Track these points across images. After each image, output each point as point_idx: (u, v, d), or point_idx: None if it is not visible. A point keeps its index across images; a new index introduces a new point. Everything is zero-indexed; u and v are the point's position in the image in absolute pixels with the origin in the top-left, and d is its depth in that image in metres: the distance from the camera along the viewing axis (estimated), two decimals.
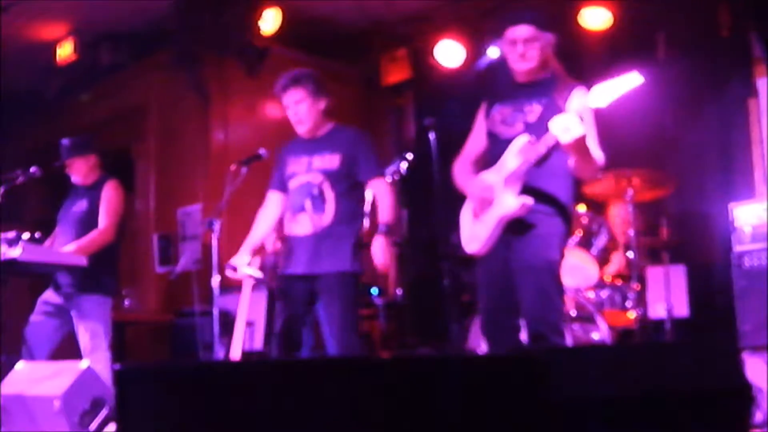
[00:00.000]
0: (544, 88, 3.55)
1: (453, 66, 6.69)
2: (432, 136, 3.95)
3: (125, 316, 6.72)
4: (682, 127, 5.90)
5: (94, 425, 3.91)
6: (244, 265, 4.45)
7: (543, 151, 3.37)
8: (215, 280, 4.62)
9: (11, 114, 7.92)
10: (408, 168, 5.07)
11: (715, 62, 5.75)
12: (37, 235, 4.94)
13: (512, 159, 3.48)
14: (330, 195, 3.99)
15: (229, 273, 4.56)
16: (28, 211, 8.12)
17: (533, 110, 3.52)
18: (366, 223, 4.34)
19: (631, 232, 4.92)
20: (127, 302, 7.19)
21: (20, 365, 4.34)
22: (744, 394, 1.91)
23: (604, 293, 5.08)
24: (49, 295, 5.00)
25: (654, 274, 5.32)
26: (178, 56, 6.79)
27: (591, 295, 5.02)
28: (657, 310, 5.18)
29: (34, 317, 4.97)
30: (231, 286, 5.71)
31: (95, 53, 7.18)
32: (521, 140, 3.47)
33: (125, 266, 5.60)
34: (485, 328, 3.67)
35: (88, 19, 6.83)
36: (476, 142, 3.76)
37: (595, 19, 5.98)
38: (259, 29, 6.41)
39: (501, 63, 3.78)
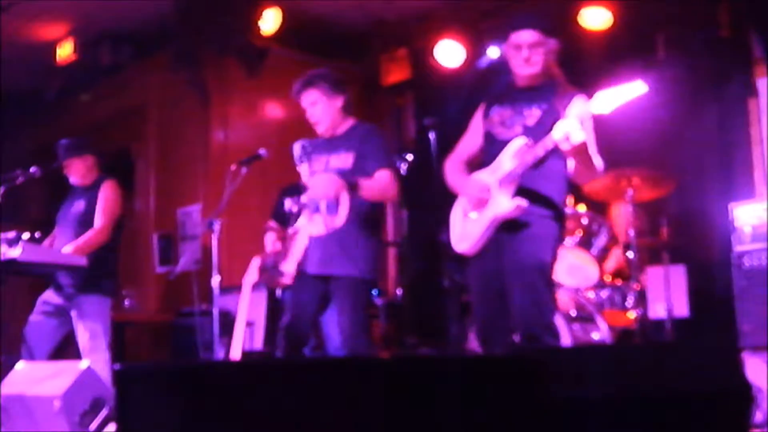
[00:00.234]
0: (545, 94, 3.56)
1: (453, 66, 6.69)
2: (432, 136, 3.95)
3: (125, 316, 6.72)
4: (682, 127, 5.90)
5: (94, 425, 3.91)
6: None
7: (540, 154, 3.39)
8: (215, 280, 4.63)
9: (11, 114, 7.92)
10: (408, 168, 5.08)
11: (715, 62, 5.75)
12: (37, 235, 4.95)
13: (508, 161, 3.49)
14: (345, 196, 3.92)
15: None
16: (28, 211, 8.12)
17: (532, 114, 3.53)
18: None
19: (631, 232, 4.92)
20: (127, 302, 7.19)
21: (20, 365, 4.35)
22: (744, 394, 1.91)
23: (604, 293, 5.08)
24: (49, 295, 5.00)
25: (654, 274, 5.32)
26: (178, 56, 6.79)
27: (591, 295, 5.02)
28: (657, 310, 5.18)
29: (34, 317, 4.98)
30: (231, 286, 5.72)
31: (95, 53, 7.18)
32: (518, 142, 3.48)
33: (125, 266, 5.61)
34: (478, 329, 3.67)
35: (88, 19, 6.83)
36: (471, 141, 3.77)
37: (595, 19, 5.98)
38: (259, 29, 6.41)
39: (501, 64, 3.78)
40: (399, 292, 6.41)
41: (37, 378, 4.10)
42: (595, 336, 4.77)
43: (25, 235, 4.61)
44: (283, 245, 5.06)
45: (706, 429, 1.78)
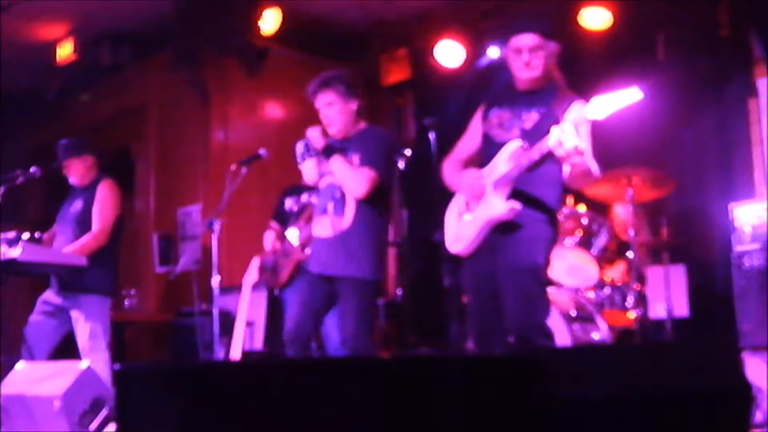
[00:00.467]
0: (544, 98, 3.57)
1: (453, 66, 6.69)
2: (432, 136, 3.95)
3: (125, 316, 6.72)
4: (682, 127, 5.90)
5: (94, 425, 3.91)
6: None
7: (535, 158, 3.40)
8: (215, 280, 4.63)
9: (11, 114, 7.92)
10: (407, 165, 5.07)
11: (715, 62, 5.75)
12: (37, 235, 4.95)
13: (503, 163, 3.50)
14: (351, 198, 3.93)
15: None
16: (28, 211, 8.12)
17: (531, 118, 3.54)
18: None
19: (631, 232, 4.92)
20: (127, 302, 7.19)
21: (20, 365, 4.35)
22: (744, 394, 1.91)
23: (604, 293, 5.08)
24: (49, 295, 5.00)
25: (654, 274, 5.32)
26: (178, 56, 6.79)
27: (591, 295, 5.03)
28: (657, 310, 5.18)
29: (34, 317, 4.98)
30: (231, 286, 5.72)
31: (95, 53, 7.18)
32: (514, 145, 3.49)
33: (125, 266, 5.61)
34: (474, 331, 3.68)
35: (88, 19, 6.83)
36: (470, 142, 3.78)
37: (595, 19, 5.98)
38: (259, 29, 6.41)
39: (501, 64, 3.79)
40: (399, 292, 6.41)
41: (37, 378, 4.10)
42: (595, 336, 4.77)
43: (25, 235, 4.61)
44: (283, 245, 5.07)
45: (706, 429, 1.78)
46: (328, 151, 3.95)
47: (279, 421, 1.69)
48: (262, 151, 4.68)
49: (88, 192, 5.11)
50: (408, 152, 5.10)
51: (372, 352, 3.97)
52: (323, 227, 4.01)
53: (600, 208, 5.40)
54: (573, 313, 4.82)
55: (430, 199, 4.00)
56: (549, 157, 3.38)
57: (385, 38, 7.16)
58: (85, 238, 4.95)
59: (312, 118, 4.25)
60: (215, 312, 4.63)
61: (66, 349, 5.01)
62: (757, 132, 5.67)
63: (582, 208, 5.24)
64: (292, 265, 4.87)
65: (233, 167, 4.65)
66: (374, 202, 3.96)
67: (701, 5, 5.69)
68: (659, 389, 1.75)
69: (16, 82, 7.43)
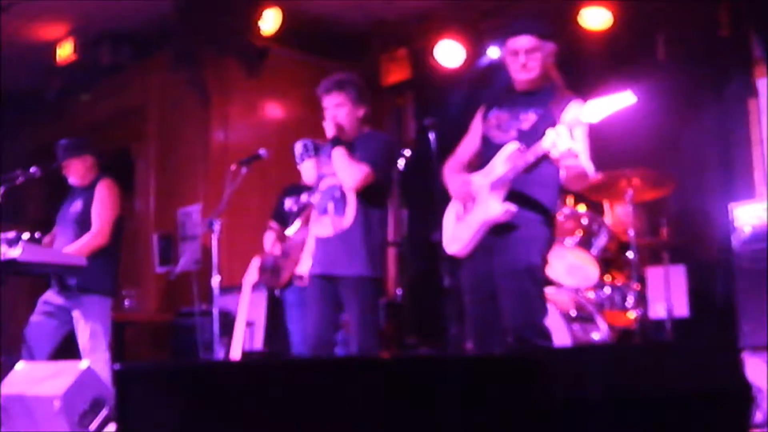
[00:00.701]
0: (542, 98, 3.58)
1: (453, 66, 6.69)
2: (432, 136, 3.95)
3: (125, 316, 6.72)
4: (682, 127, 5.89)
5: (94, 425, 3.91)
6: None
7: (531, 159, 3.41)
8: (215, 280, 4.63)
9: (11, 114, 7.92)
10: (406, 165, 5.08)
11: (715, 62, 5.74)
12: (37, 235, 4.94)
13: (501, 164, 3.52)
14: (351, 198, 3.97)
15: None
16: (28, 211, 8.12)
17: (528, 119, 3.56)
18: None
19: (631, 232, 4.92)
20: (127, 302, 7.19)
21: (20, 365, 4.34)
22: (744, 394, 1.91)
23: (604, 293, 5.08)
24: (50, 295, 5.00)
25: (654, 274, 5.32)
26: (178, 56, 6.79)
27: (591, 295, 5.02)
28: (657, 310, 5.18)
29: (35, 317, 4.98)
30: (231, 286, 5.72)
31: (95, 53, 7.18)
32: (511, 147, 3.50)
33: (125, 266, 5.61)
34: (473, 332, 3.69)
35: (88, 19, 6.83)
36: (470, 144, 3.80)
37: (595, 19, 5.98)
38: (259, 29, 6.41)
39: (501, 66, 3.80)
40: (399, 292, 6.41)
41: (37, 378, 4.10)
42: (595, 336, 4.77)
43: (25, 235, 4.61)
44: (283, 245, 5.07)
45: (706, 429, 1.78)
46: (335, 142, 3.98)
47: (279, 421, 1.69)
48: (262, 151, 4.68)
49: (88, 192, 5.11)
50: (408, 152, 5.11)
51: (377, 350, 3.97)
52: (324, 227, 4.04)
53: (600, 208, 5.40)
54: (573, 313, 4.82)
55: (430, 199, 4.00)
56: (546, 158, 3.39)
57: (385, 38, 7.16)
58: (85, 238, 4.95)
59: (312, 118, 4.25)
60: (215, 312, 4.63)
61: (66, 349, 5.01)
62: (757, 132, 5.67)
63: (582, 208, 5.24)
64: (292, 267, 4.88)
65: (233, 167, 4.65)
66: (373, 202, 4.00)
67: (701, 5, 5.69)
68: (659, 389, 1.75)
69: (16, 82, 7.43)
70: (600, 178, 4.75)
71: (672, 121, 5.82)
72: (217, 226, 4.57)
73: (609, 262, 5.29)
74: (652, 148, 5.71)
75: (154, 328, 7.01)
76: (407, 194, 7.08)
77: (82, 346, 4.85)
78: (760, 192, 5.40)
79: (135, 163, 7.80)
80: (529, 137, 3.46)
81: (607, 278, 5.17)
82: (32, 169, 5.00)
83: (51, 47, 7.10)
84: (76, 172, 5.16)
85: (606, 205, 5.42)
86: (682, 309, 5.32)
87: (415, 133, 7.50)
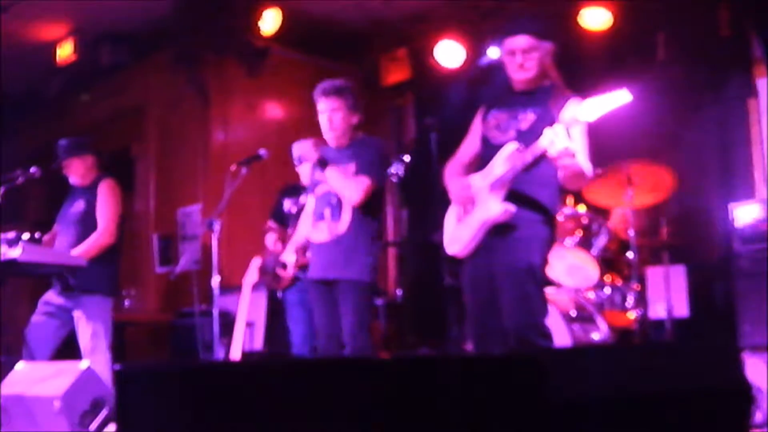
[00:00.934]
0: (540, 98, 3.58)
1: (453, 66, 6.69)
2: (432, 136, 3.96)
3: (125, 316, 6.72)
4: (681, 127, 5.90)
5: (94, 425, 3.91)
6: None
7: (529, 159, 3.41)
8: (215, 280, 4.63)
9: (11, 114, 7.92)
10: (406, 169, 5.09)
11: (715, 62, 5.75)
12: (37, 235, 4.94)
13: (500, 165, 3.52)
14: (347, 204, 4.04)
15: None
16: (28, 211, 8.12)
17: (527, 118, 3.56)
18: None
19: (631, 232, 4.92)
20: (127, 302, 7.19)
21: (20, 365, 4.34)
22: (744, 394, 1.91)
23: (604, 293, 5.08)
24: (50, 296, 5.00)
25: (654, 274, 5.32)
26: (178, 56, 6.80)
27: (591, 295, 5.02)
28: (657, 310, 5.18)
29: (35, 318, 4.97)
30: (231, 286, 5.72)
31: (95, 53, 7.18)
32: (510, 147, 3.50)
33: (125, 266, 5.61)
34: (472, 332, 3.70)
35: (88, 19, 6.83)
36: (470, 145, 3.80)
37: (595, 19, 5.98)
38: (259, 29, 6.42)
39: (500, 66, 3.80)
40: (399, 292, 6.41)
41: (37, 378, 4.10)
42: (595, 336, 4.77)
43: (25, 235, 4.60)
44: (283, 245, 5.08)
45: (706, 429, 1.78)
46: (322, 163, 4.06)
47: (279, 421, 1.69)
48: (262, 151, 4.69)
49: (90, 192, 5.11)
50: (407, 158, 5.14)
51: (371, 351, 4.00)
52: (320, 232, 4.11)
53: (600, 209, 5.40)
54: (573, 313, 4.82)
55: (430, 199, 4.01)
56: (544, 158, 3.39)
57: (385, 38, 7.16)
58: (92, 238, 4.94)
59: (312, 118, 4.27)
60: (215, 312, 4.63)
61: (67, 349, 5.01)
62: (757, 132, 5.67)
63: (582, 208, 5.24)
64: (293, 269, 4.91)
65: (233, 167, 4.66)
66: (368, 207, 4.07)
67: (701, 5, 5.69)
68: (659, 389, 1.75)
69: (16, 82, 7.43)
70: (600, 178, 4.76)
71: (672, 121, 5.82)
72: (217, 226, 4.57)
73: (609, 262, 5.29)
74: (653, 148, 5.71)
75: (154, 328, 7.01)
76: (407, 195, 7.08)
77: (83, 347, 4.85)
78: (760, 192, 5.41)
79: (135, 163, 7.80)
80: (528, 137, 3.46)
81: (607, 278, 5.17)
82: (32, 169, 5.00)
83: (51, 47, 7.10)
84: (76, 171, 5.16)
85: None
86: (682, 309, 5.32)
87: (415, 133, 7.50)
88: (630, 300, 4.99)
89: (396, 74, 7.18)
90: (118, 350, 5.22)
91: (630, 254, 5.00)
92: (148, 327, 7.08)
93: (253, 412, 1.72)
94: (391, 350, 6.10)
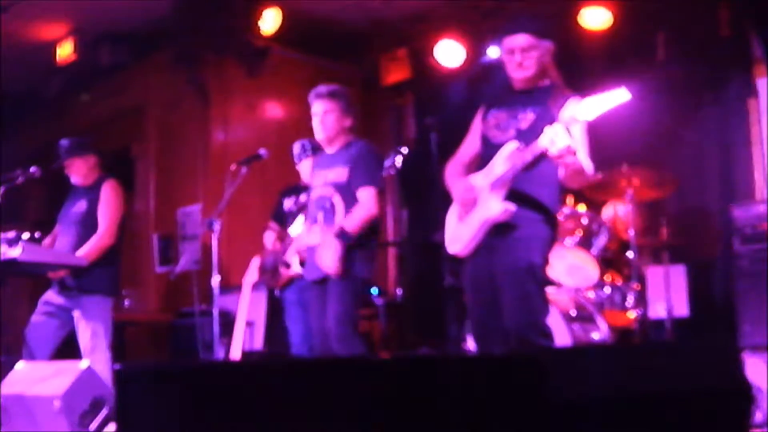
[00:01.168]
0: (540, 97, 3.58)
1: (453, 66, 6.69)
2: (433, 135, 3.96)
3: (125, 316, 6.72)
4: (682, 127, 5.90)
5: (94, 425, 3.91)
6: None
7: (529, 158, 3.40)
8: (215, 280, 4.63)
9: (11, 114, 7.92)
10: (405, 163, 5.09)
11: (715, 62, 5.74)
12: (37, 235, 4.94)
13: (500, 164, 3.52)
14: (340, 207, 4.10)
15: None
16: (28, 211, 8.12)
17: (526, 118, 3.56)
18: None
19: (631, 232, 4.92)
20: (127, 302, 7.19)
21: (20, 365, 4.34)
22: (744, 394, 1.91)
23: (604, 293, 5.08)
24: (51, 296, 5.00)
25: (654, 274, 5.32)
26: (178, 56, 6.79)
27: (591, 295, 5.02)
28: (657, 310, 5.18)
29: (35, 317, 4.97)
30: (231, 286, 5.72)
31: (95, 53, 7.18)
32: (510, 146, 3.50)
33: (125, 266, 5.61)
34: (474, 331, 3.70)
35: (88, 19, 6.82)
36: (470, 144, 3.80)
37: (595, 19, 5.98)
38: (259, 29, 6.41)
39: (500, 66, 3.80)
40: (399, 292, 6.41)
41: (37, 378, 4.10)
42: (595, 336, 4.77)
43: (25, 235, 4.60)
44: (283, 245, 5.08)
45: (706, 429, 1.78)
46: (345, 238, 4.02)
47: (279, 421, 1.69)
48: (262, 151, 4.69)
49: (92, 192, 5.11)
50: (405, 150, 5.13)
51: (354, 342, 4.01)
52: (314, 236, 4.17)
53: (600, 208, 5.40)
54: (573, 313, 4.82)
55: (430, 199, 4.01)
56: (544, 157, 3.39)
57: (385, 38, 7.16)
58: (93, 241, 4.94)
59: (311, 118, 4.29)
60: (215, 312, 4.63)
61: (67, 349, 5.01)
62: (757, 132, 5.67)
63: (582, 208, 5.24)
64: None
65: (233, 167, 4.66)
66: None
67: (701, 5, 5.69)
68: (659, 389, 1.75)
69: (16, 82, 7.43)
70: (600, 178, 4.75)
71: (672, 121, 5.82)
72: (217, 226, 4.57)
73: (609, 262, 5.29)
74: (652, 148, 5.72)
75: (154, 328, 7.01)
76: (407, 194, 7.08)
77: (83, 346, 4.85)
78: (760, 192, 5.41)
79: (135, 163, 7.79)
80: (528, 136, 3.46)
81: (607, 278, 5.17)
82: (32, 169, 4.99)
83: (51, 47, 7.10)
84: (78, 171, 5.16)
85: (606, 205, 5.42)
86: (682, 309, 5.32)
87: (415, 133, 7.50)
88: (630, 300, 4.99)
89: (396, 74, 7.17)
90: (118, 350, 5.22)
91: (630, 254, 5.00)
92: (148, 327, 7.08)
93: (253, 412, 1.72)
94: (391, 350, 6.10)
